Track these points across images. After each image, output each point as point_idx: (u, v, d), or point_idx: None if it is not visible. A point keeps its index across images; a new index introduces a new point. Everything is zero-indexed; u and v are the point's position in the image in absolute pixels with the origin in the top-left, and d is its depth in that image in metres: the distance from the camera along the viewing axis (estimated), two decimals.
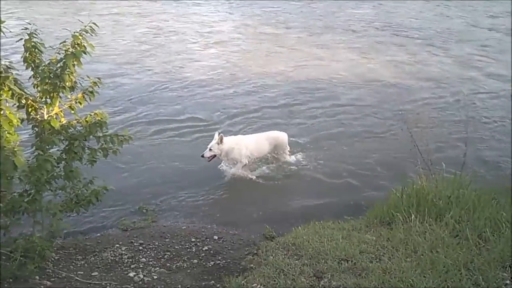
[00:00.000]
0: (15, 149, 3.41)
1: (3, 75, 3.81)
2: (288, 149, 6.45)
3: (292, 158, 6.51)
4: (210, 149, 5.83)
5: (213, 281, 3.70)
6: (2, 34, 3.91)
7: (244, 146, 6.04)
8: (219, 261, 4.12)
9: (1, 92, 3.73)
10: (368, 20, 15.77)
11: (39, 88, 4.21)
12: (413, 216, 4.02)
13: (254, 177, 6.10)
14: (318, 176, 6.18)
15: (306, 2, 18.40)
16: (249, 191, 5.84)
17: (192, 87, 9.38)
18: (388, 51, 12.29)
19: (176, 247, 4.40)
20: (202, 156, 5.85)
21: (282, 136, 6.36)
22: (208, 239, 4.59)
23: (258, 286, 2.94)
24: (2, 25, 3.91)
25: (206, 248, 4.40)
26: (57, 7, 15.89)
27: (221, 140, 5.82)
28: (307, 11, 17.00)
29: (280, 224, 5.04)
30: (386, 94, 9.24)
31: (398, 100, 8.80)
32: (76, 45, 4.08)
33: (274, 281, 3.02)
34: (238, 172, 6.09)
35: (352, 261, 3.37)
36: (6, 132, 3.54)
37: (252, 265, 3.55)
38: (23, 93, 4.01)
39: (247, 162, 6.13)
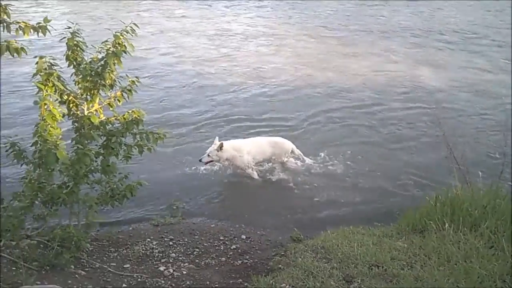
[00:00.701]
0: (57, 142, 3.57)
1: (47, 71, 4.02)
2: (287, 158, 6.37)
3: (327, 162, 6.47)
4: (208, 155, 5.82)
5: (240, 280, 3.74)
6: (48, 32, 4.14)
7: (246, 153, 6.01)
8: (246, 260, 4.15)
9: (45, 87, 3.92)
10: (430, 25, 15.54)
11: (80, 85, 4.40)
12: (447, 225, 3.92)
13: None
14: (349, 180, 6.12)
15: (358, 2, 18.28)
16: (278, 193, 5.85)
17: (270, 88, 9.54)
18: (462, 56, 12.12)
19: (205, 244, 4.47)
20: (200, 160, 5.88)
21: (283, 143, 6.31)
22: (236, 238, 4.64)
23: (287, 286, 2.94)
24: (48, 24, 4.15)
25: (234, 247, 4.44)
26: (121, 8, 16.26)
27: (221, 148, 5.79)
28: (365, 14, 16.88)
29: (308, 227, 5.03)
30: (447, 101, 9.10)
31: (455, 107, 8.71)
32: (117, 45, 4.24)
33: (303, 282, 3.02)
34: (255, 176, 6.09)
35: (383, 267, 3.32)
36: (49, 126, 3.73)
37: (280, 265, 3.56)
38: (65, 89, 4.19)
39: (253, 165, 6.12)
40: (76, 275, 3.47)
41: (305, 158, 6.46)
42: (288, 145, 6.35)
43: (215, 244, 4.49)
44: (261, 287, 3.02)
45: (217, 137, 5.98)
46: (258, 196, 5.75)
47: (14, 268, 3.30)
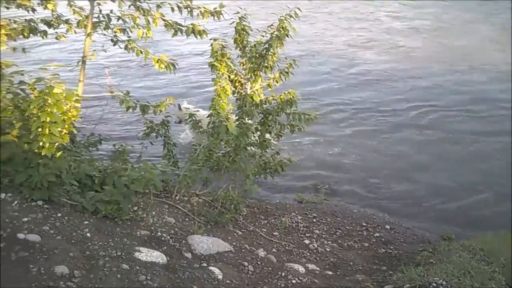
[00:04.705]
0: (228, 116, 4.03)
1: (222, 52, 4.51)
2: None
3: None
4: None
5: (384, 267, 3.73)
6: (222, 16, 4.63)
7: None
8: (390, 250, 4.12)
9: (220, 67, 4.42)
10: None
11: (244, 66, 4.82)
12: None
13: None
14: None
15: None
16: (428, 186, 5.55)
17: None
18: None
19: (347, 227, 4.55)
20: None
21: None
22: (379, 227, 4.62)
23: (440, 280, 2.84)
24: (222, 9, 4.63)
25: (377, 235, 4.43)
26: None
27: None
28: None
29: (459, 227, 4.73)
30: None
31: None
32: (281, 29, 4.51)
33: (459, 279, 2.88)
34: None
35: None
36: (222, 101, 4.22)
37: (432, 260, 3.44)
38: (235, 69, 4.65)
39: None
40: (234, 234, 3.89)
41: None
42: None
43: (358, 229, 4.54)
44: (412, 276, 2.97)
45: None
46: (407, 188, 5.52)
47: (187, 219, 3.86)
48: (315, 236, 4.25)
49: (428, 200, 5.29)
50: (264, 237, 4.01)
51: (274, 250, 3.78)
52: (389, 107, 7.78)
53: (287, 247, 3.90)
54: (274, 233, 4.16)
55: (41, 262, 2.32)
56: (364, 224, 4.65)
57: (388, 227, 4.62)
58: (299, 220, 4.54)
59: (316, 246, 4.02)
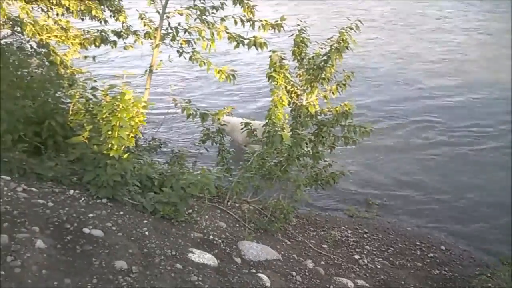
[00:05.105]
0: (284, 126, 4.10)
1: (280, 64, 4.60)
2: None
3: None
4: None
5: None
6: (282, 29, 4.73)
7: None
8: (445, 272, 3.96)
9: (278, 78, 4.51)
10: None
11: (301, 78, 4.87)
12: None
13: None
14: None
15: None
16: (490, 207, 5.22)
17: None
18: None
19: (400, 245, 4.43)
20: None
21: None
22: (434, 247, 4.45)
23: None
24: (284, 22, 4.73)
25: (431, 255, 4.27)
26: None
27: None
28: None
29: None
30: None
31: None
32: (341, 41, 4.52)
33: None
34: None
35: None
36: (278, 111, 4.29)
37: (490, 285, 3.27)
38: (292, 80, 4.72)
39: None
40: (283, 243, 3.93)
41: None
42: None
43: (411, 247, 4.41)
44: None
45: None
46: (466, 206, 5.24)
47: (237, 225, 3.96)
48: (365, 252, 4.18)
49: (489, 222, 4.98)
50: (312, 248, 4.01)
51: (322, 262, 3.77)
52: (461, 123, 7.38)
53: (336, 261, 3.87)
54: (323, 246, 4.15)
55: (102, 256, 2.48)
56: (418, 243, 4.50)
57: (443, 247, 4.44)
58: (349, 234, 4.49)
59: (366, 262, 3.95)
